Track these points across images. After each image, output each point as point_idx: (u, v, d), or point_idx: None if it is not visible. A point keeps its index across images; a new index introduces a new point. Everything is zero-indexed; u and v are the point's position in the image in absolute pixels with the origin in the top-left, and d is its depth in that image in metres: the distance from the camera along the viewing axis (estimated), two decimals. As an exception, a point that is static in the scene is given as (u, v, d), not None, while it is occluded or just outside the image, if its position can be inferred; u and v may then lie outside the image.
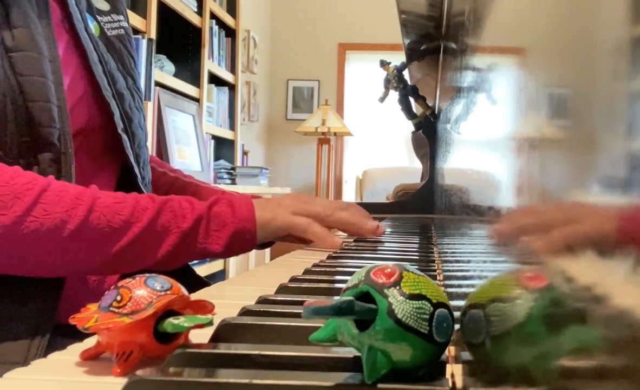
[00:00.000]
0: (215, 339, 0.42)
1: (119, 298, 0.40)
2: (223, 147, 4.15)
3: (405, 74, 1.91)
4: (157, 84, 3.02)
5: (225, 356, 0.37)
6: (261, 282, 0.73)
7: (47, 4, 0.80)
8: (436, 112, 1.82)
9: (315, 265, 0.76)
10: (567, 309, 0.20)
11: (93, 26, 0.92)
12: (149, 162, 1.00)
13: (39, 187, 0.70)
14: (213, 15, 3.78)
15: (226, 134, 4.11)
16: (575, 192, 0.20)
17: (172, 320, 0.40)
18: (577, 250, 0.19)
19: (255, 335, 0.42)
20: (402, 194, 1.85)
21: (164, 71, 3.17)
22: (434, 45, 1.65)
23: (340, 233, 1.06)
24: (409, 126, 1.99)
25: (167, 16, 3.17)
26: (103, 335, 0.40)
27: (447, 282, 0.64)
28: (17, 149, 0.73)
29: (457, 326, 0.34)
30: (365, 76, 5.73)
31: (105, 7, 0.97)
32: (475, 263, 0.45)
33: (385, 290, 0.33)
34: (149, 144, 1.29)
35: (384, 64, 1.92)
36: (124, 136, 0.89)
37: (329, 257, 0.85)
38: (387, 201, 1.98)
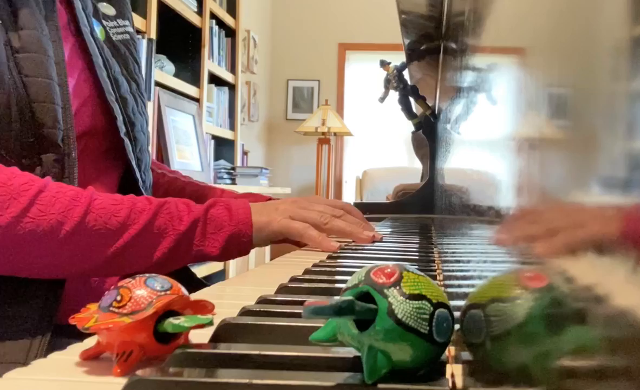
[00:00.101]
0: (215, 339, 0.42)
1: (119, 298, 0.40)
2: (223, 147, 4.15)
3: (405, 74, 1.91)
4: (157, 84, 3.02)
5: (225, 356, 0.37)
6: (261, 282, 0.73)
7: (55, 7, 0.80)
8: (436, 112, 1.82)
9: (315, 265, 0.76)
10: (567, 309, 0.20)
11: (99, 30, 0.92)
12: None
13: (35, 188, 0.70)
14: (213, 15, 3.78)
15: (226, 134, 4.11)
16: (575, 192, 0.20)
17: (172, 320, 0.40)
18: (578, 253, 0.19)
19: (255, 335, 0.42)
20: (402, 194, 1.86)
21: (164, 71, 3.17)
22: (434, 45, 1.65)
23: None
24: (409, 126, 1.99)
25: (167, 16, 3.17)
26: (103, 335, 0.40)
27: (447, 282, 0.64)
28: (21, 148, 0.73)
29: (457, 326, 0.34)
30: (365, 76, 5.72)
31: (111, 12, 0.97)
32: (475, 263, 0.45)
33: (385, 290, 0.33)
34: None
35: (384, 64, 1.92)
36: (126, 140, 0.89)
37: (329, 257, 0.85)
38: (387, 201, 1.98)
